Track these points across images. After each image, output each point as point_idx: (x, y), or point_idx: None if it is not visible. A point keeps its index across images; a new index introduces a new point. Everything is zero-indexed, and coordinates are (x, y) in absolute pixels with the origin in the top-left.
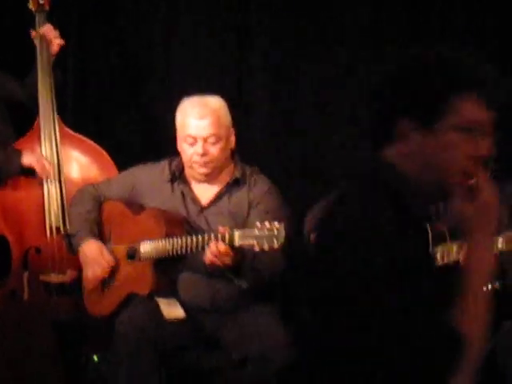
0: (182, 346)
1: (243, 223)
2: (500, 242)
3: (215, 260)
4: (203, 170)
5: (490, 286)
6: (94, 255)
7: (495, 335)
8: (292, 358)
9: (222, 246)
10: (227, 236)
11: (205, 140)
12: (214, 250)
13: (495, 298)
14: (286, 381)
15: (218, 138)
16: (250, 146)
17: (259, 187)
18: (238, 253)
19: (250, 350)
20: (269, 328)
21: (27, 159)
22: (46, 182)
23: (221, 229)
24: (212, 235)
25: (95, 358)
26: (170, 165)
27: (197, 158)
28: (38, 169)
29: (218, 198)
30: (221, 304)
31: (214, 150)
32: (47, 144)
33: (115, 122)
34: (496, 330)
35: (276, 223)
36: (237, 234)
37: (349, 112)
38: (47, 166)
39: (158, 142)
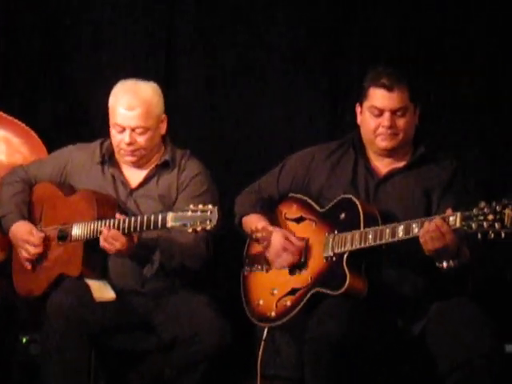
0: (113, 327)
1: (172, 206)
2: (458, 220)
3: (105, 245)
4: (130, 159)
5: (446, 264)
6: (23, 235)
7: (424, 316)
8: (223, 339)
9: (112, 231)
10: (160, 218)
11: (132, 129)
12: (104, 235)
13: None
14: (217, 362)
15: (146, 129)
16: (181, 128)
17: (188, 171)
18: (131, 239)
19: (179, 332)
20: (198, 310)
21: None
22: None
23: (117, 215)
24: (144, 217)
25: (24, 339)
26: (101, 147)
27: (124, 146)
28: None
29: (147, 180)
30: (151, 286)
31: (142, 140)
32: None
33: (42, 103)
34: (425, 312)
35: (210, 205)
36: (170, 215)
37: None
38: None
39: (87, 123)
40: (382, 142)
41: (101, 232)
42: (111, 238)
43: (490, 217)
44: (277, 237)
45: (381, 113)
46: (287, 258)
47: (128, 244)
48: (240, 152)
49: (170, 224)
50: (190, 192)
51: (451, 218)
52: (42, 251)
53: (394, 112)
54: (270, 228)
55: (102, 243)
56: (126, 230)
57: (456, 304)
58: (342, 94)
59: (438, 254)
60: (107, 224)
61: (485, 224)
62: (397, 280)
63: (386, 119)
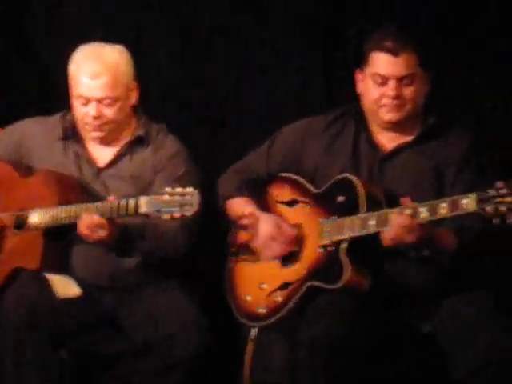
0: (78, 327)
1: (146, 189)
2: (424, 212)
3: (88, 233)
4: (97, 134)
5: (415, 253)
6: None
7: (435, 313)
8: (202, 340)
9: (95, 217)
10: (132, 203)
11: (99, 101)
12: (86, 221)
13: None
14: (196, 366)
15: (115, 99)
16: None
17: (166, 149)
18: (116, 226)
19: (152, 333)
20: (175, 307)
21: None
22: None
23: (110, 198)
24: (115, 202)
25: None
26: (62, 121)
27: (89, 120)
28: None
29: (118, 158)
30: (121, 281)
31: (109, 112)
32: None
33: None
34: (437, 309)
35: (189, 188)
36: (143, 200)
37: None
38: None
39: (48, 93)
40: (387, 114)
41: (64, 219)
42: (95, 225)
43: (509, 199)
44: (265, 224)
45: (385, 81)
46: (276, 249)
47: (111, 231)
48: (227, 126)
49: (143, 209)
50: (167, 173)
51: (464, 201)
52: None
53: (400, 80)
54: (258, 214)
55: (85, 231)
56: None
57: (469, 299)
58: (337, 59)
59: (406, 247)
60: (74, 210)
61: (503, 207)
62: (404, 272)
63: (390, 88)
